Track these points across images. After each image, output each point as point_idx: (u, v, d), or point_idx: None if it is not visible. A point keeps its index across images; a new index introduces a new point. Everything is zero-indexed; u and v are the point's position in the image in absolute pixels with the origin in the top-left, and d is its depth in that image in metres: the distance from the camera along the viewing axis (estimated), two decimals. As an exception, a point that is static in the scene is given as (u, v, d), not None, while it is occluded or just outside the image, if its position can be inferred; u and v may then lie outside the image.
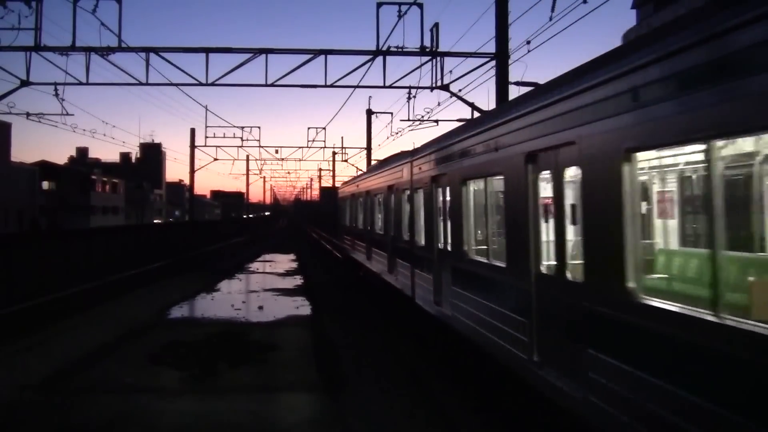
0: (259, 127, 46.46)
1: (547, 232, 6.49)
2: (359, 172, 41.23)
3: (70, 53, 19.28)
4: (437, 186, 10.84)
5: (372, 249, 18.19)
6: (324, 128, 51.17)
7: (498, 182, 7.75)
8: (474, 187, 9.02)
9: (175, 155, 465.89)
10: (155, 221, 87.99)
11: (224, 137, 45.63)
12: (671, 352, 4.18)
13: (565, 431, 6.05)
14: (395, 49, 18.74)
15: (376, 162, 21.12)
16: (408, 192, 13.16)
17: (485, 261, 8.16)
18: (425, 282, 11.46)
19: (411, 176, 12.79)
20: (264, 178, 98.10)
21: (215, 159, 51.67)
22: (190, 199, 55.82)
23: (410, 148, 17.34)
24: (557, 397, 5.84)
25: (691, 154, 5.38)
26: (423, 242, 11.75)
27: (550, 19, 12.82)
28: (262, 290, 22.47)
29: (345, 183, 28.92)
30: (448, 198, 10.05)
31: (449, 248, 9.95)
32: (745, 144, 4.38)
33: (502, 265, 7.38)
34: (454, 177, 9.48)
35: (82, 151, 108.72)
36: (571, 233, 5.91)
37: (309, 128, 56.49)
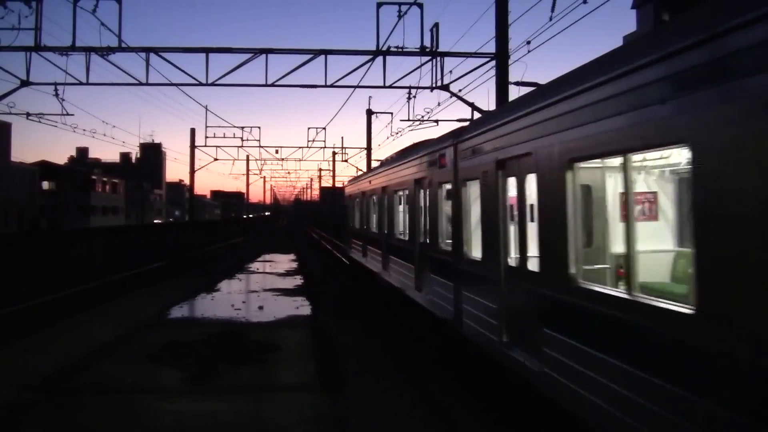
0: (259, 127, 46.46)
1: None
2: (358, 172, 41.23)
3: (70, 53, 19.28)
4: (507, 174, 7.46)
5: (390, 257, 15.23)
6: (324, 128, 51.18)
7: (657, 160, 5.01)
8: (592, 174, 6.06)
9: (175, 155, 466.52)
10: (155, 221, 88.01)
11: (224, 137, 45.67)
12: None
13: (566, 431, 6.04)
14: (395, 49, 18.74)
15: (392, 155, 17.87)
16: (450, 186, 9.98)
17: (625, 296, 4.74)
18: (483, 311, 8.16)
19: (455, 163, 9.52)
20: (264, 178, 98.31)
21: (215, 159, 51.70)
22: (190, 199, 55.82)
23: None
24: None
25: None
26: (479, 255, 8.49)
27: (550, 19, 12.82)
28: (262, 290, 22.46)
29: (354, 179, 25.32)
30: (530, 191, 6.81)
31: (534, 268, 6.55)
32: None
33: (687, 310, 4.04)
34: (548, 158, 6.06)
35: (82, 151, 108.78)
36: None
37: (309, 128, 56.47)
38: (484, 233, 8.27)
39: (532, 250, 6.71)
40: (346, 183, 29.64)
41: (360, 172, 37.22)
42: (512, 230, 7.52)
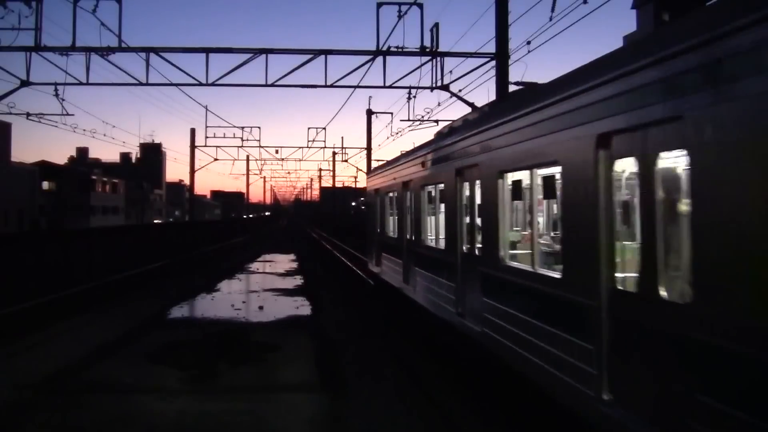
0: (259, 127, 46.63)
1: None
2: (358, 173, 40.58)
3: (70, 53, 19.32)
4: None
5: (486, 301, 8.24)
6: (324, 128, 51.29)
7: None
8: None
9: (175, 155, 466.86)
10: (155, 221, 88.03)
11: (224, 137, 45.83)
12: None
13: (568, 430, 6.04)
14: (395, 49, 18.77)
15: (459, 119, 11.71)
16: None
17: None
18: None
19: None
20: (264, 178, 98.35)
21: (215, 159, 51.83)
22: (190, 199, 55.88)
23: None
24: None
25: None
26: None
27: (550, 19, 12.85)
28: (262, 290, 22.45)
29: (386, 165, 17.85)
30: None
31: None
32: None
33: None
34: None
35: (82, 151, 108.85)
36: None
37: (309, 128, 56.61)
38: None
39: None
40: (372, 173, 21.11)
41: (362, 170, 36.89)
42: None
